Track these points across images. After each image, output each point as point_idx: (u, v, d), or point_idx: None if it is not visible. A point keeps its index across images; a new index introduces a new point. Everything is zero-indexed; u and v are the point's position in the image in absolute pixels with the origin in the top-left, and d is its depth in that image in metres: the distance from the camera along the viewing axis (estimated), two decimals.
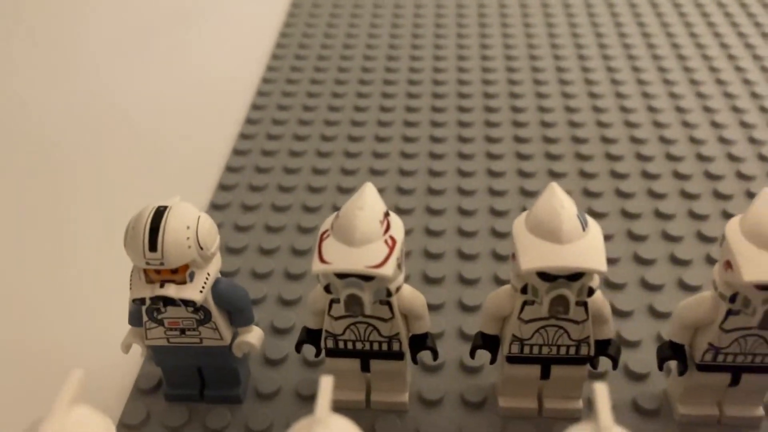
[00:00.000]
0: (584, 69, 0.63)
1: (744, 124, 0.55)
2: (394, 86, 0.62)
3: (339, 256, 0.29)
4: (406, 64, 0.65)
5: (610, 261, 0.41)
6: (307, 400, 0.36)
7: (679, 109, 0.57)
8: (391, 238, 0.30)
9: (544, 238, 0.30)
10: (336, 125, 0.57)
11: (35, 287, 0.44)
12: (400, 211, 0.47)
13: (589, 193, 0.49)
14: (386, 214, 0.31)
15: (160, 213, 0.30)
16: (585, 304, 0.32)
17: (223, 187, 0.50)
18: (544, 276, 0.30)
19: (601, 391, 0.22)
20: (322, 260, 0.29)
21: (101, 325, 0.38)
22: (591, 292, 0.31)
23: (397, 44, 0.68)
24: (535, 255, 0.29)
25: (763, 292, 0.29)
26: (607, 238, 0.36)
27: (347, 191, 0.49)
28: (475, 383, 0.37)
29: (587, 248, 0.30)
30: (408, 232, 0.45)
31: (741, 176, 0.50)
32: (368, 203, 0.30)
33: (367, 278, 0.30)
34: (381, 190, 0.35)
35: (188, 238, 0.30)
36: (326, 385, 0.23)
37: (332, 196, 0.49)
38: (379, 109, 0.59)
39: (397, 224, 0.31)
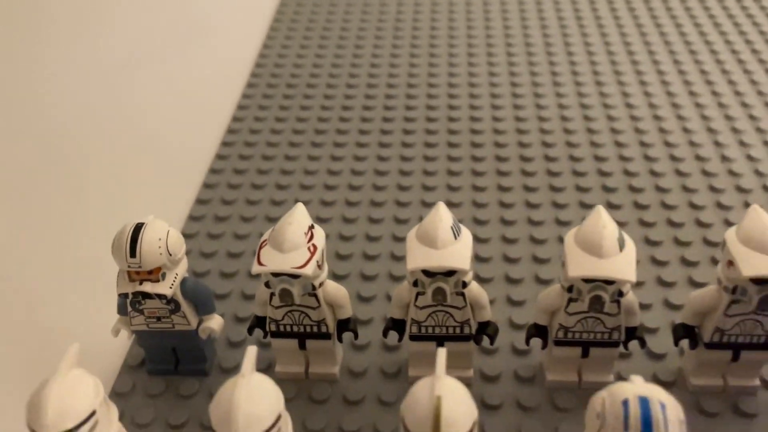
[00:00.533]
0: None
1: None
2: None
3: (272, 260, 0.39)
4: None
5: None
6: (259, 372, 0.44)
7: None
8: (314, 245, 0.40)
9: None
10: (317, 160, 0.65)
11: (42, 281, 0.54)
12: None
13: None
14: (311, 227, 0.40)
15: (138, 228, 0.40)
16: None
17: (199, 201, 0.60)
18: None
19: (440, 353, 0.31)
20: (260, 263, 0.39)
21: (95, 315, 0.48)
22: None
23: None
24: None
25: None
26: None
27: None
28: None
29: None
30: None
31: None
32: (296, 219, 0.40)
33: (294, 276, 0.39)
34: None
35: (160, 247, 0.40)
36: (250, 352, 0.32)
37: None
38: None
39: (320, 234, 0.41)
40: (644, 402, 0.29)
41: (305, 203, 0.44)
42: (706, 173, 0.61)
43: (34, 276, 0.55)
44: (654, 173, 0.61)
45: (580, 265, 0.37)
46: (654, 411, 0.29)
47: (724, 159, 0.62)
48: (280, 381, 0.33)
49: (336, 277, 0.52)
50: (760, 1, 0.87)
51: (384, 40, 0.83)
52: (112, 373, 0.46)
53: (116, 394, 0.45)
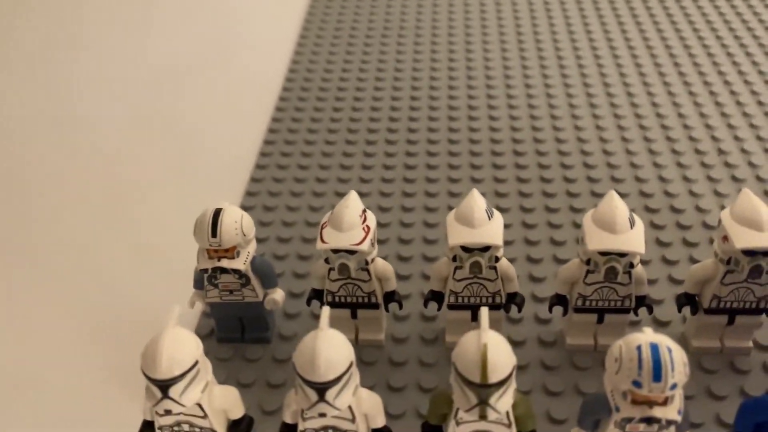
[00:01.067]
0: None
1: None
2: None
3: (333, 238, 0.45)
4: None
5: None
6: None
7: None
8: (367, 226, 0.46)
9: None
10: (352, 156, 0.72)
11: (121, 267, 0.61)
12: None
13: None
14: (364, 211, 0.47)
15: (217, 212, 0.46)
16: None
17: (249, 194, 0.67)
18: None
19: (483, 311, 0.37)
20: (323, 241, 0.45)
21: (173, 290, 0.52)
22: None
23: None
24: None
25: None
26: None
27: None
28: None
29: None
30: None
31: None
32: (351, 203, 0.46)
33: (351, 252, 0.46)
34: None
35: (236, 229, 0.46)
36: (325, 311, 0.38)
37: (333, 199, 0.65)
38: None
39: (371, 217, 0.47)
40: (654, 347, 0.35)
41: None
42: (704, 165, 0.67)
43: (115, 263, 0.61)
44: (657, 165, 0.67)
45: (598, 240, 0.44)
46: (662, 353, 0.35)
47: (721, 152, 0.69)
48: None
49: None
50: (753, 8, 0.93)
51: (405, 46, 0.89)
52: None
53: None
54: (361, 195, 0.65)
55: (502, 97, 0.78)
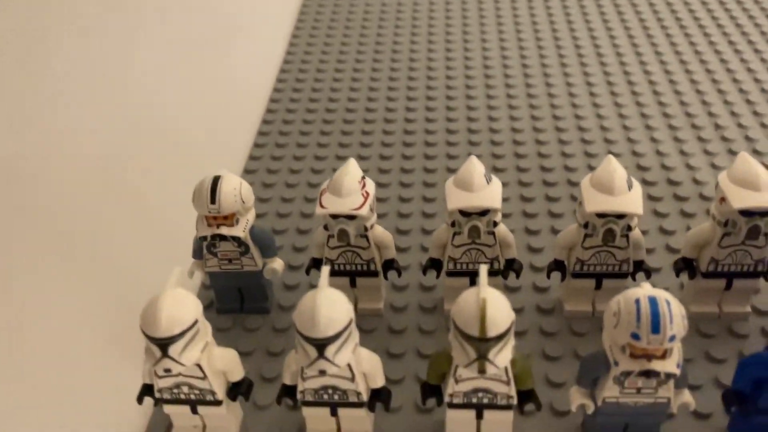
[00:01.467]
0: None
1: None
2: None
3: (332, 203, 0.45)
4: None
5: None
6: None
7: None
8: (366, 192, 0.46)
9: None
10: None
11: (134, 241, 0.61)
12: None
13: None
14: (363, 177, 0.47)
15: (216, 179, 0.46)
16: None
17: (247, 171, 0.67)
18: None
19: (482, 268, 0.37)
20: (322, 206, 0.45)
21: (174, 260, 0.51)
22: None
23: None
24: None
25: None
26: None
27: None
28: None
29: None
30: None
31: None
32: (351, 170, 0.46)
33: (351, 217, 0.46)
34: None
35: (235, 195, 0.46)
36: (325, 270, 0.38)
37: (331, 174, 0.62)
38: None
39: (370, 183, 0.47)
40: (653, 300, 0.35)
41: None
42: (701, 139, 0.67)
43: (119, 239, 0.61)
44: (654, 140, 0.68)
45: (596, 202, 0.44)
46: (661, 306, 0.35)
47: (717, 127, 0.69)
48: None
49: None
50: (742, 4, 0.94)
51: (402, 37, 0.89)
52: None
53: None
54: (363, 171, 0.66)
55: (499, 75, 0.79)
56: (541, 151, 0.67)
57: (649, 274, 0.48)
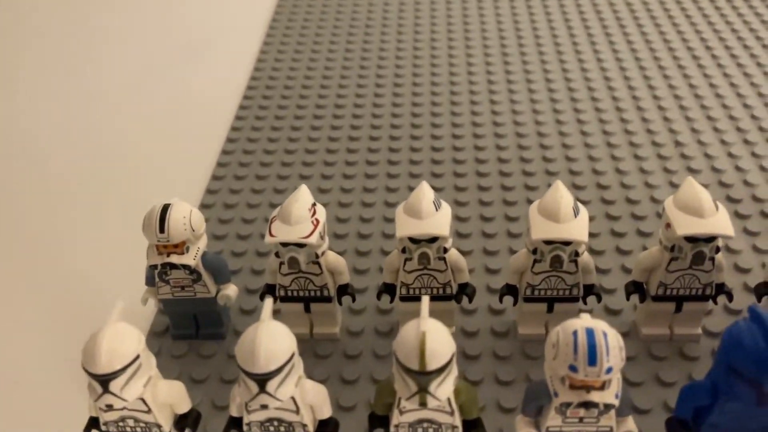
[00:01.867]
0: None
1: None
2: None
3: (281, 232, 0.45)
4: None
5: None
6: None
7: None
8: (316, 219, 0.46)
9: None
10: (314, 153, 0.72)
11: (87, 264, 0.60)
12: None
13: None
14: (313, 204, 0.47)
15: (165, 208, 0.46)
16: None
17: (209, 191, 0.67)
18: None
19: (424, 300, 0.38)
20: (271, 234, 0.46)
21: (125, 288, 0.52)
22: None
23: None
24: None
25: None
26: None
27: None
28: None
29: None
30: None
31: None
32: (301, 197, 0.46)
33: (300, 245, 0.46)
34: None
35: (184, 224, 0.46)
36: (268, 302, 0.38)
37: None
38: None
39: (321, 210, 0.47)
40: (590, 331, 0.35)
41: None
42: (660, 157, 0.68)
43: (78, 257, 0.61)
44: (614, 158, 0.68)
45: (542, 230, 0.44)
46: (598, 338, 0.35)
47: (678, 144, 0.69)
48: None
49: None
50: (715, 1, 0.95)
51: (372, 44, 0.89)
52: None
53: None
54: (322, 191, 0.67)
55: (464, 93, 0.79)
56: (502, 170, 0.67)
57: (600, 297, 0.49)
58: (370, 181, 0.67)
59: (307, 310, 0.50)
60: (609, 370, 0.35)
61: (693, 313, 0.49)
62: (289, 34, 0.93)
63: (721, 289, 0.48)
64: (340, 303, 0.50)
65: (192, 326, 0.52)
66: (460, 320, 0.52)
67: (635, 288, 0.49)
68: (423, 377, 0.36)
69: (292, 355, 0.37)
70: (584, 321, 0.37)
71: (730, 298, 0.48)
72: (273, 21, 0.96)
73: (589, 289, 0.48)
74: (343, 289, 0.50)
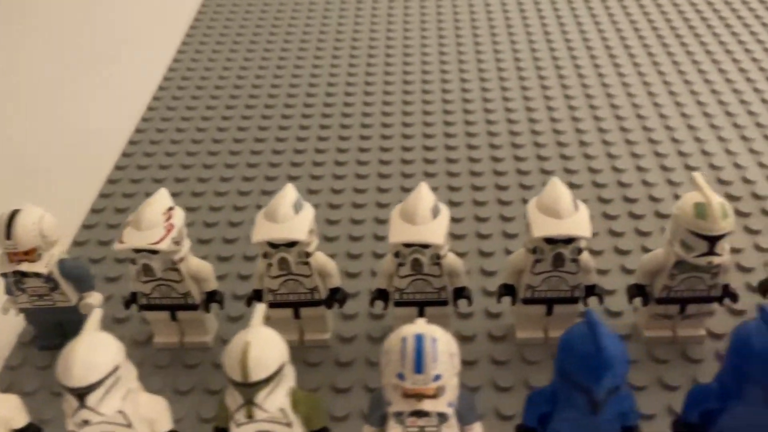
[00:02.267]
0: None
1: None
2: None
3: (133, 238, 0.43)
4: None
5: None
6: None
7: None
8: (171, 224, 0.44)
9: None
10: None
11: None
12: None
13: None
14: (170, 209, 0.45)
15: (13, 213, 0.44)
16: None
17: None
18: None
19: (258, 308, 0.35)
20: (120, 241, 0.44)
21: None
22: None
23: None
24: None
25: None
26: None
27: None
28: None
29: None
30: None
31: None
32: (156, 201, 0.45)
33: (153, 252, 0.43)
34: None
35: (33, 230, 0.44)
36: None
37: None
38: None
39: (178, 216, 0.45)
40: (419, 337, 0.33)
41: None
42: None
43: None
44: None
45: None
46: (426, 344, 0.32)
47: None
48: None
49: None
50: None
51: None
52: (5, 349, 0.50)
53: (9, 368, 0.49)
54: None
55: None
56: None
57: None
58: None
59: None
60: (437, 377, 0.33)
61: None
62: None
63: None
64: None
65: (59, 335, 0.48)
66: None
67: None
68: (247, 389, 0.34)
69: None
70: (417, 327, 0.34)
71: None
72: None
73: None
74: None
